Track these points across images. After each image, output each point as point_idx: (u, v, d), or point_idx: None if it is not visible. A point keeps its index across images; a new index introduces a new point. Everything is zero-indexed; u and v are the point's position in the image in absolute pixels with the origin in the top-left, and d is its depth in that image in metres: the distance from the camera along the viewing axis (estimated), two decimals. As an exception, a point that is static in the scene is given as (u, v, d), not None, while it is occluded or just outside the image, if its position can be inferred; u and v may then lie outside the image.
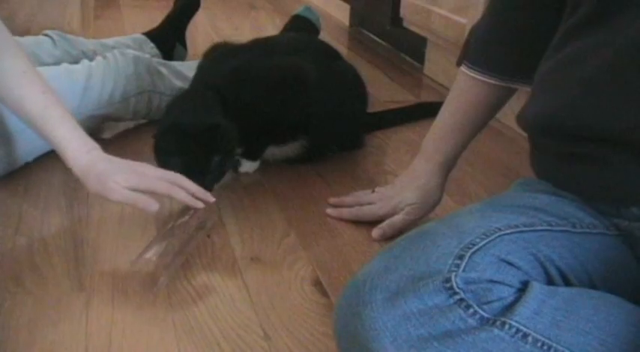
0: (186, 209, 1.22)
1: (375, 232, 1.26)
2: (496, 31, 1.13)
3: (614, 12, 0.84)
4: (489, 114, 1.22)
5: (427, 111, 1.77)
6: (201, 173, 1.27)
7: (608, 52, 0.84)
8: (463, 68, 1.18)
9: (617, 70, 0.83)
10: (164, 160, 1.29)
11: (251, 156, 1.50)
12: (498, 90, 1.16)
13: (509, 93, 1.18)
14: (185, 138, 1.28)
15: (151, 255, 1.10)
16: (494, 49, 1.14)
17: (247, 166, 1.51)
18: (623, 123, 0.82)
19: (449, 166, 1.27)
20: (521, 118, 0.98)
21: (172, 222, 1.20)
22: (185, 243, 1.17)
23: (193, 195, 1.19)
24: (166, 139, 1.30)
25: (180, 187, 1.18)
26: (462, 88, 1.20)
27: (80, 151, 1.18)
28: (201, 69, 1.58)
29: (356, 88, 1.67)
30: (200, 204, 1.18)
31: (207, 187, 1.26)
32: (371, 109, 1.82)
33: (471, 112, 1.20)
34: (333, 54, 1.67)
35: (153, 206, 1.14)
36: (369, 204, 1.32)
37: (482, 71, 1.14)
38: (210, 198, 1.20)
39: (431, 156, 1.27)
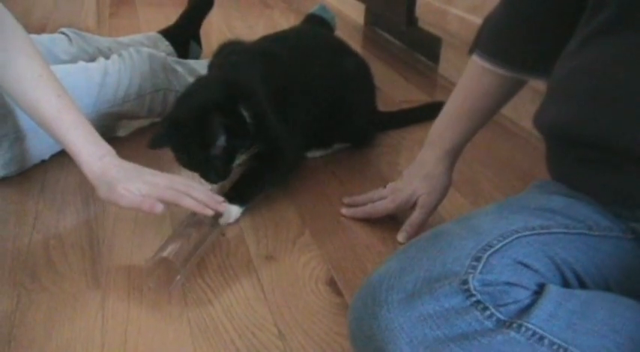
0: None
1: (400, 236, 1.26)
2: (509, 21, 1.12)
3: (635, 21, 0.83)
4: (498, 104, 1.21)
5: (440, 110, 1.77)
6: (206, 161, 1.28)
7: (627, 65, 0.83)
8: (474, 57, 1.17)
9: (638, 84, 0.82)
10: (175, 157, 1.31)
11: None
12: (508, 81, 1.16)
13: (520, 84, 1.18)
14: (178, 130, 1.29)
15: (167, 253, 1.10)
16: (506, 39, 1.13)
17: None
18: None
19: (455, 153, 1.27)
20: (537, 121, 0.98)
21: (187, 219, 1.21)
22: (201, 241, 1.17)
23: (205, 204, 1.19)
24: (164, 137, 1.31)
25: (189, 196, 1.18)
26: (472, 76, 1.19)
27: (93, 157, 1.19)
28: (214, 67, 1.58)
29: (365, 82, 1.68)
30: (209, 212, 1.18)
31: (219, 174, 1.28)
32: (385, 109, 1.82)
33: (480, 101, 1.20)
34: (344, 48, 1.68)
35: (157, 208, 1.14)
36: (381, 199, 1.32)
37: (493, 61, 1.14)
38: (221, 207, 1.20)
39: (437, 143, 1.26)
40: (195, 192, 1.19)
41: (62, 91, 1.23)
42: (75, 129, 1.21)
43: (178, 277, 1.10)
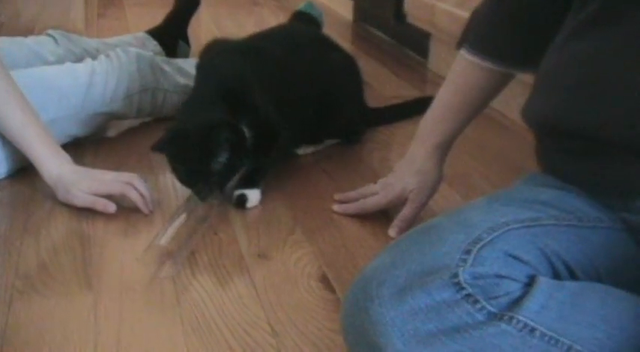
0: (185, 203, 1.28)
1: (392, 231, 1.27)
2: (496, 16, 1.12)
3: (621, 13, 0.83)
4: (487, 97, 1.21)
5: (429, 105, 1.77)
6: (204, 177, 1.28)
7: (613, 57, 0.83)
8: (462, 51, 1.17)
9: (623, 76, 0.83)
10: (171, 168, 1.31)
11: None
12: (497, 75, 1.16)
13: (508, 77, 1.18)
14: (181, 144, 1.28)
15: (159, 240, 1.14)
16: (493, 33, 1.13)
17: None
18: (629, 127, 0.82)
19: (445, 148, 1.27)
20: (525, 114, 0.98)
21: (179, 210, 1.24)
22: (190, 235, 1.20)
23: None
24: (166, 148, 1.31)
25: (132, 186, 1.31)
26: (461, 71, 1.19)
27: (52, 166, 1.33)
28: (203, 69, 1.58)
29: (352, 78, 1.68)
30: (146, 211, 1.30)
31: (213, 189, 1.28)
32: (375, 104, 1.82)
33: (469, 95, 1.20)
34: (330, 45, 1.69)
35: (110, 208, 1.29)
36: (373, 195, 1.33)
37: (481, 56, 1.14)
38: (145, 210, 1.30)
39: (427, 138, 1.26)
40: (136, 183, 1.31)
41: (26, 106, 1.36)
42: (36, 143, 1.34)
43: (168, 265, 1.10)
